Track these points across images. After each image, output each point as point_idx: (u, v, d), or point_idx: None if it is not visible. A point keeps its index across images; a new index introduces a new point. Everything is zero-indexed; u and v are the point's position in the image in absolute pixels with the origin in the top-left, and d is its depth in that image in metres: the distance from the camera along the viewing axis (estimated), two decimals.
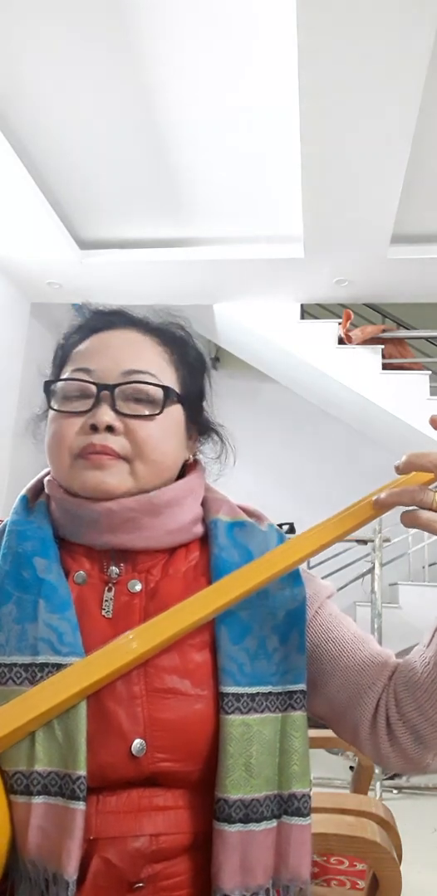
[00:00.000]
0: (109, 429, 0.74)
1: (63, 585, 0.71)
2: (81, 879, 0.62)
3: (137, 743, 0.65)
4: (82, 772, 0.62)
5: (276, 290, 4.85)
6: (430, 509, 0.65)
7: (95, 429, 0.74)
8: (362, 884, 1.47)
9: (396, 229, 3.95)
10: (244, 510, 0.85)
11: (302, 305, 5.21)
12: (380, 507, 0.68)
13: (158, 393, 0.76)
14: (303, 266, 4.39)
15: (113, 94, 3.15)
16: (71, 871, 0.60)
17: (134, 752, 0.65)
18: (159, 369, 0.78)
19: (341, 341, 5.15)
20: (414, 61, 2.65)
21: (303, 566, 0.79)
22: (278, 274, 4.56)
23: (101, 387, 0.75)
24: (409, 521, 0.66)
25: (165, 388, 0.77)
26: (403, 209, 3.75)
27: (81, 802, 0.61)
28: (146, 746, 0.65)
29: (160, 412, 0.76)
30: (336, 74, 2.76)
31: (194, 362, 0.85)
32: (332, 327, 5.19)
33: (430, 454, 0.65)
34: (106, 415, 0.74)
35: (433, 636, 0.71)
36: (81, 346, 0.80)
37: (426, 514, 0.65)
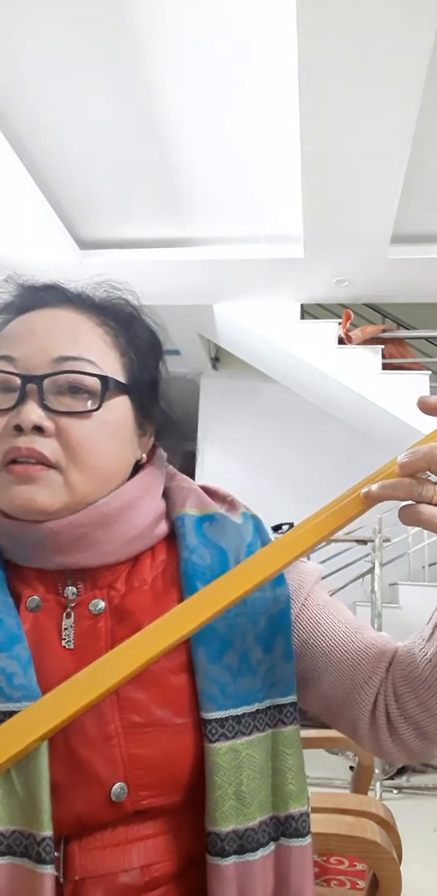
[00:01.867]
0: (38, 429, 0.62)
1: (10, 616, 0.61)
2: None
3: (117, 787, 0.59)
4: (47, 833, 0.55)
5: (276, 290, 4.85)
6: (430, 503, 0.56)
7: (20, 430, 0.62)
8: (362, 884, 1.47)
9: (396, 229, 3.95)
10: (212, 494, 0.76)
11: (302, 305, 5.21)
12: (370, 500, 0.58)
13: (96, 383, 0.64)
14: (303, 266, 4.39)
15: (113, 94, 3.15)
16: None
17: (113, 798, 0.59)
18: (99, 354, 0.66)
19: (341, 341, 5.14)
20: (414, 61, 2.65)
21: None
22: (278, 274, 4.56)
23: (26, 378, 0.63)
24: (408, 517, 0.56)
25: (104, 378, 0.64)
26: (403, 209, 3.75)
27: (49, 866, 0.54)
28: (128, 788, 0.59)
29: (98, 407, 0.64)
30: (336, 74, 2.75)
31: (144, 345, 0.72)
32: (332, 327, 5.19)
33: (426, 450, 0.56)
34: (32, 412, 0.61)
35: (433, 631, 0.65)
36: (6, 330, 0.68)
37: (428, 510, 0.55)
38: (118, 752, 0.59)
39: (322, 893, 1.48)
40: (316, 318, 5.38)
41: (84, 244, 4.40)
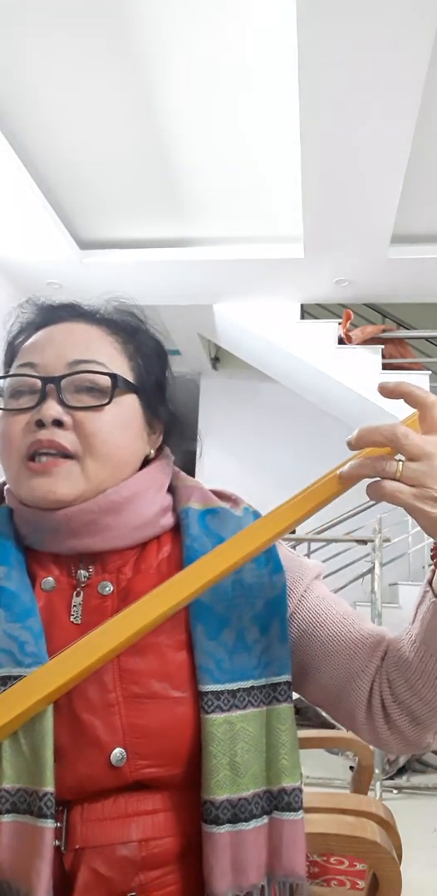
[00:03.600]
0: (57, 423, 0.69)
1: (26, 593, 0.68)
2: (69, 892, 0.61)
3: (117, 752, 0.63)
4: (49, 788, 0.59)
5: (276, 290, 4.85)
6: (394, 479, 0.60)
7: (41, 424, 0.69)
8: (362, 884, 1.47)
9: (396, 229, 3.95)
10: (219, 494, 0.82)
11: (302, 305, 5.21)
12: (345, 480, 0.64)
13: (107, 381, 0.72)
14: (303, 266, 4.39)
15: (113, 94, 3.16)
16: (42, 892, 0.58)
17: (114, 762, 0.62)
18: (109, 359, 0.74)
19: (341, 341, 5.14)
20: (414, 61, 2.65)
21: (290, 550, 0.78)
22: (278, 274, 4.56)
23: (46, 380, 0.71)
24: (373, 492, 0.61)
25: (113, 376, 0.72)
26: (403, 209, 3.75)
27: (49, 820, 0.59)
28: (127, 755, 0.63)
29: (109, 401, 0.71)
30: (336, 75, 2.76)
31: (150, 352, 0.80)
32: (332, 327, 5.19)
33: (380, 427, 0.61)
34: (52, 409, 0.69)
35: (416, 613, 0.69)
36: (28, 343, 0.77)
37: (390, 485, 0.60)
38: (118, 719, 0.64)
39: (322, 893, 1.48)
40: (316, 318, 5.38)
41: (84, 244, 4.40)
